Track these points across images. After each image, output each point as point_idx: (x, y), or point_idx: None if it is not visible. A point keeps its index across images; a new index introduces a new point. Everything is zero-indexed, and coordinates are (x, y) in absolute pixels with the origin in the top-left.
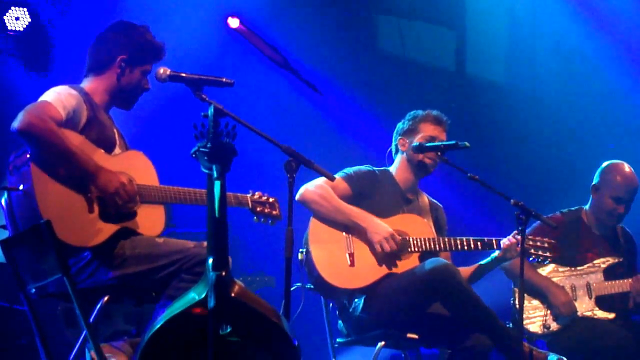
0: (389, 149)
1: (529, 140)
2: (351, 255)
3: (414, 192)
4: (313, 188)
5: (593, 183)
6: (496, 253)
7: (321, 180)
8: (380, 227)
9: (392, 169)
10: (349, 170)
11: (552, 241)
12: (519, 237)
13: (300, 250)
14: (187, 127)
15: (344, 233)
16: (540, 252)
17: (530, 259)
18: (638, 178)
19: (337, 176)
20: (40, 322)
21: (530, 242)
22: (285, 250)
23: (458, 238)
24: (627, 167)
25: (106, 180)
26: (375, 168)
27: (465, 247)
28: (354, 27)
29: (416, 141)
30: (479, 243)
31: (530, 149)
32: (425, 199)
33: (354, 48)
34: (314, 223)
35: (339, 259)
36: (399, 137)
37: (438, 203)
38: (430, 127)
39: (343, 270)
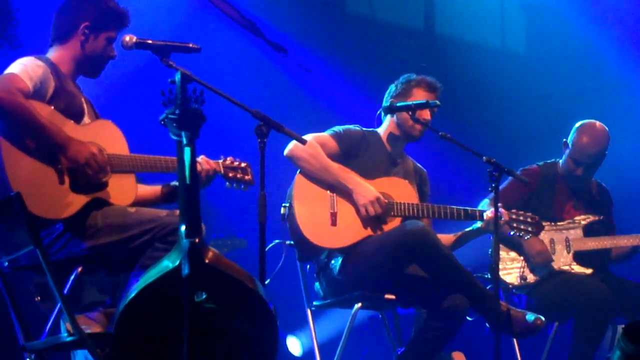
0: (379, 111)
1: (500, 98)
2: (333, 214)
3: (400, 156)
4: (302, 146)
5: (564, 139)
6: (478, 224)
7: (311, 137)
8: (367, 190)
9: (380, 130)
10: (338, 128)
11: (536, 217)
12: (502, 210)
13: (284, 205)
14: (155, 95)
15: (328, 192)
16: (522, 227)
17: (512, 233)
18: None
19: (326, 134)
20: (14, 295)
21: (514, 216)
22: (258, 215)
23: (442, 206)
24: (596, 130)
25: (76, 151)
26: (363, 128)
27: (449, 216)
28: None
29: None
30: (462, 213)
31: (501, 106)
32: (410, 162)
33: (321, 9)
34: (299, 179)
35: (321, 218)
36: (390, 99)
37: (422, 168)
38: (423, 93)
39: (324, 229)
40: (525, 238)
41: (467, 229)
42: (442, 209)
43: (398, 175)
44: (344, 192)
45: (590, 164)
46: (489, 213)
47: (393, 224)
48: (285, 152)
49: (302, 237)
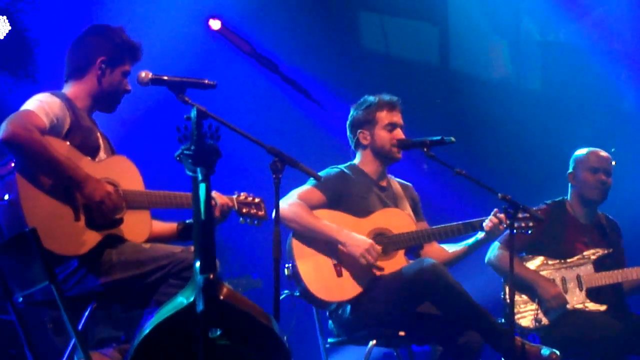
0: (352, 144)
1: (514, 133)
2: (337, 265)
3: (385, 179)
4: (287, 206)
5: (568, 172)
6: (480, 235)
7: (295, 196)
8: (359, 240)
9: (358, 162)
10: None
11: (532, 209)
12: (500, 215)
13: (287, 265)
14: (170, 131)
15: (326, 244)
16: (523, 224)
17: (515, 231)
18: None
19: (309, 186)
20: (28, 330)
21: None
22: (273, 251)
23: (440, 227)
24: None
25: (92, 188)
26: (341, 166)
27: (449, 234)
28: (336, 24)
29: (377, 131)
30: (461, 227)
31: (515, 142)
32: (395, 183)
33: (336, 46)
34: (295, 238)
35: (326, 271)
36: (359, 132)
37: (407, 183)
38: (387, 114)
39: (331, 282)
40: (528, 232)
41: (468, 242)
42: (442, 230)
43: (389, 200)
44: (338, 244)
45: (608, 169)
46: (488, 222)
47: (397, 258)
48: (273, 215)
49: (311, 295)
